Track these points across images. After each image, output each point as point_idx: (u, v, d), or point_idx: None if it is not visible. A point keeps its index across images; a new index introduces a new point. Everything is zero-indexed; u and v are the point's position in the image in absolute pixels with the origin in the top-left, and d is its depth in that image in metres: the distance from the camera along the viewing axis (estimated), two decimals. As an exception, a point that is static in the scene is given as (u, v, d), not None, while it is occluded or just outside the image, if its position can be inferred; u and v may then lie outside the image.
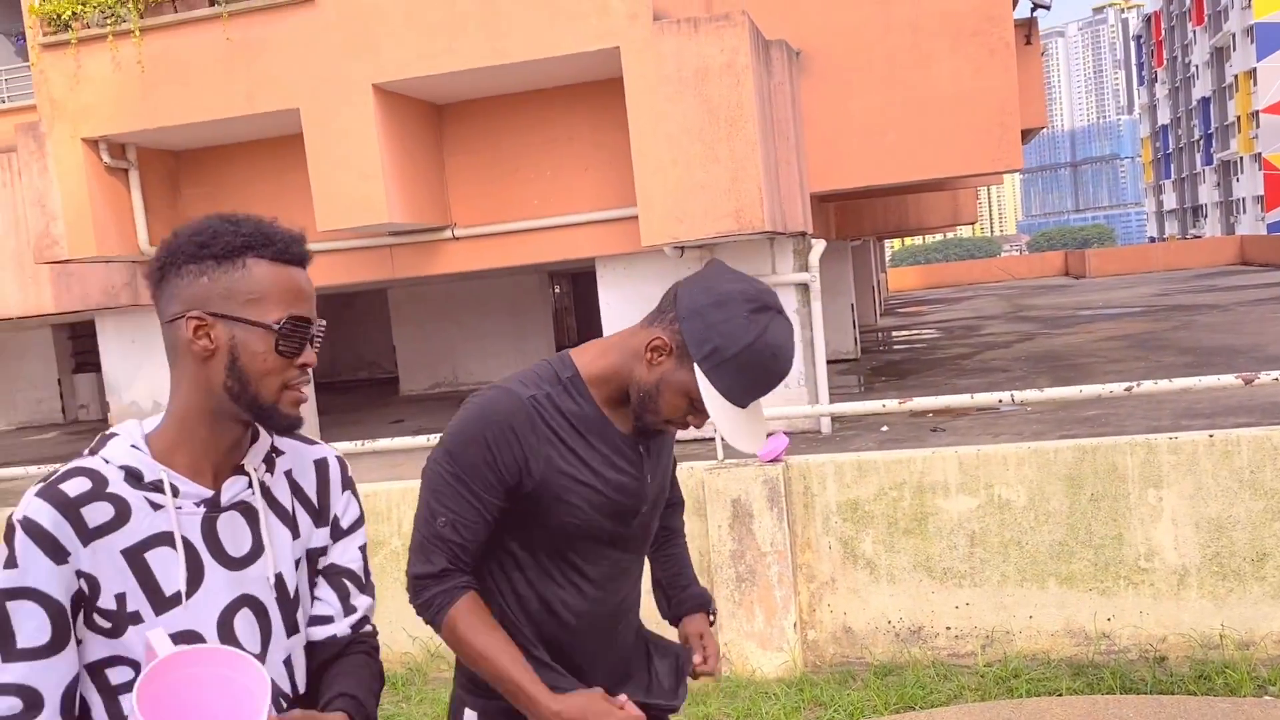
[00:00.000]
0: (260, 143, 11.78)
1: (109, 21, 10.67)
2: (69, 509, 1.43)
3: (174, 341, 1.51)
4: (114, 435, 1.53)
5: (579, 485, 1.84)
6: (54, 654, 1.40)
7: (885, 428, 10.60)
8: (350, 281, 12.10)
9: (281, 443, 1.65)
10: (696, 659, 2.09)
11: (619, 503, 1.88)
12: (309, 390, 1.60)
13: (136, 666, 1.45)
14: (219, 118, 10.76)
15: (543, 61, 10.17)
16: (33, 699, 1.39)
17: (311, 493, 1.67)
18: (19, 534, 1.41)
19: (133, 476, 1.49)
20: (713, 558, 4.80)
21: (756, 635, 4.76)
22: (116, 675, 1.46)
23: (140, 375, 12.61)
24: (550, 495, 1.82)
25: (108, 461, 1.49)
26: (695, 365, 1.73)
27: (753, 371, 1.71)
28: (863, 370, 15.55)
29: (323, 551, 1.68)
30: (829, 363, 15.81)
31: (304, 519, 1.65)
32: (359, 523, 1.73)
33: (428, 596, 1.83)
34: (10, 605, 1.39)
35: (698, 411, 1.80)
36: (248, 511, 1.56)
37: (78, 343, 19.06)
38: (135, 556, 1.46)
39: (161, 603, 1.47)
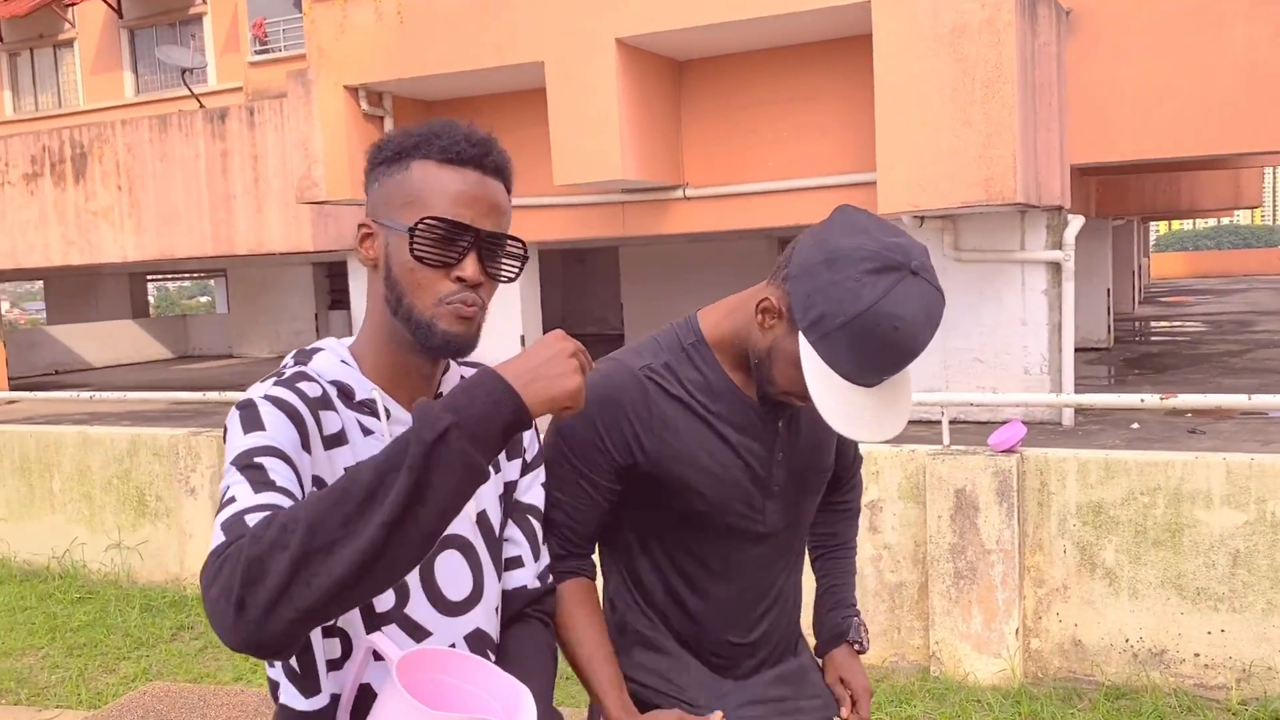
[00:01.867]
0: (507, 95, 12.03)
1: (374, -26, 11.11)
2: (311, 406, 1.29)
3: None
4: (319, 349, 1.40)
5: (697, 462, 1.62)
6: (295, 499, 1.21)
7: (1136, 425, 9.70)
8: (582, 236, 12.21)
9: (469, 371, 1.50)
10: (844, 712, 1.82)
11: (743, 483, 1.64)
12: (478, 311, 1.39)
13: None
14: (468, 69, 11.04)
15: (789, 16, 9.81)
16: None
17: None
18: (264, 405, 1.25)
19: (344, 394, 1.35)
20: (930, 549, 4.44)
21: (972, 637, 4.37)
22: None
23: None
24: (666, 474, 1.61)
25: (319, 375, 1.35)
26: (799, 333, 1.45)
27: (867, 344, 1.40)
28: (1114, 361, 14.40)
29: (514, 486, 1.53)
30: (1077, 350, 14.71)
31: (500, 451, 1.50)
32: (540, 457, 1.58)
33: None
34: (262, 459, 1.20)
35: None
36: None
37: (333, 280, 20.36)
38: None
39: None
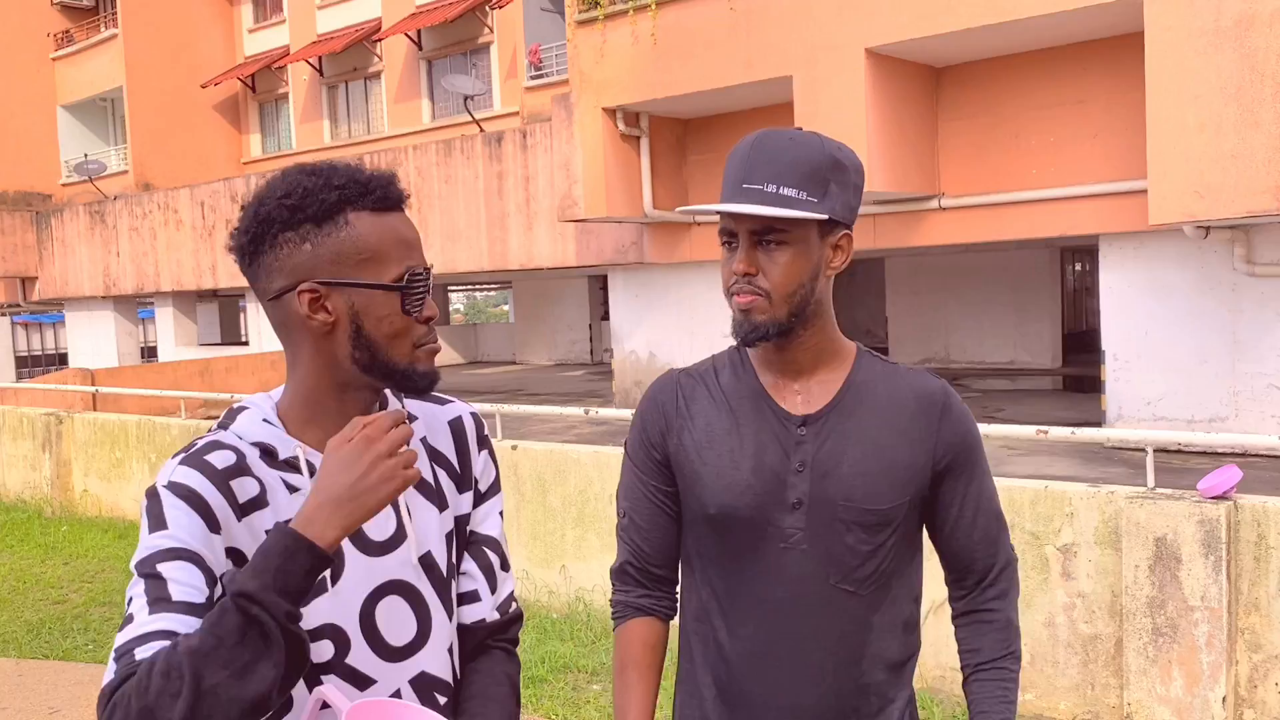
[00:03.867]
0: (758, 110, 12.06)
1: (631, -3, 11.49)
2: (219, 479, 1.28)
3: (284, 318, 1.35)
4: (244, 409, 1.40)
5: (708, 458, 1.59)
6: (203, 612, 1.22)
7: None
8: (833, 249, 12.03)
9: (413, 405, 1.48)
10: None
11: (755, 487, 1.56)
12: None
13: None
14: (720, 86, 11.17)
15: (1053, 16, 9.21)
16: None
17: (451, 456, 1.50)
18: (166, 497, 1.26)
19: (267, 454, 1.34)
20: (1125, 602, 4.03)
21: (1171, 701, 3.92)
22: None
23: (640, 327, 13.64)
24: (681, 467, 1.62)
25: (240, 437, 1.35)
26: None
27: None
28: None
29: (467, 519, 1.51)
30: None
31: (448, 486, 1.48)
32: (496, 485, 1.55)
33: (613, 599, 1.71)
34: (162, 566, 1.22)
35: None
36: None
37: (605, 293, 21.18)
38: None
39: None
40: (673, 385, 1.67)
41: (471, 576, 1.51)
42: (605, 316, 21.15)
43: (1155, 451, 4.38)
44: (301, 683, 1.32)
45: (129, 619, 1.21)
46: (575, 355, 21.68)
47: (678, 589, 1.71)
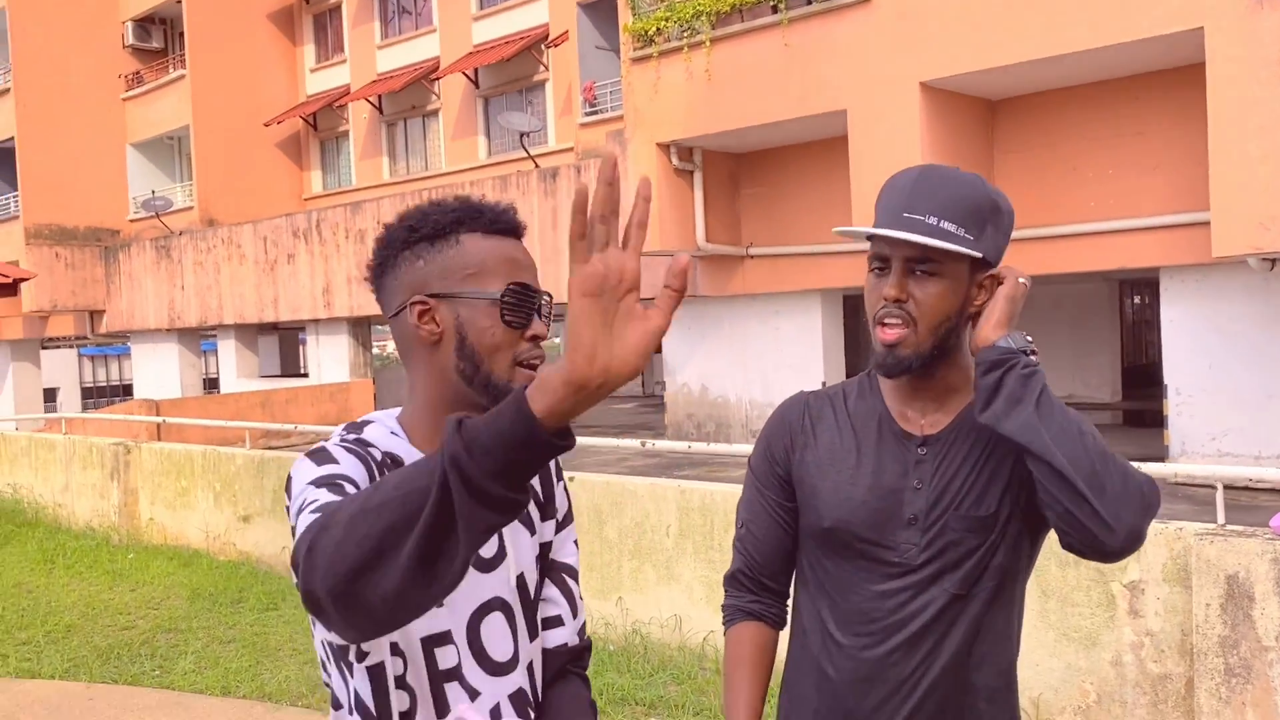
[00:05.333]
0: (812, 144, 12.10)
1: (685, 34, 11.62)
2: (368, 464, 1.36)
3: (402, 334, 1.43)
4: (369, 422, 1.47)
5: (828, 475, 1.66)
6: None
7: None
8: (887, 283, 11.99)
9: None
10: None
11: (871, 503, 1.61)
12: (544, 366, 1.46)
13: (404, 659, 1.37)
14: (774, 120, 11.24)
15: (1111, 49, 9.17)
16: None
17: (537, 485, 1.57)
18: (336, 449, 1.35)
19: (395, 464, 1.40)
20: (1196, 640, 3.95)
21: (1246, 746, 3.84)
22: (394, 665, 1.37)
23: (692, 360, 13.67)
24: (800, 483, 1.69)
25: (369, 445, 1.41)
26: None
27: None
28: None
29: (549, 546, 1.58)
30: None
31: (534, 512, 1.55)
32: (571, 515, 1.63)
33: (724, 604, 1.78)
34: (339, 480, 1.28)
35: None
36: None
37: (659, 326, 21.23)
38: None
39: None
40: (800, 405, 1.75)
41: (554, 602, 1.57)
42: (656, 350, 21.25)
43: (1226, 488, 4.31)
44: (427, 687, 1.38)
45: (311, 503, 1.23)
46: (626, 388, 21.76)
47: (788, 603, 1.77)
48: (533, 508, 1.55)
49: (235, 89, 22.58)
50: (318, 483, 1.28)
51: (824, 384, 12.47)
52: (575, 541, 1.63)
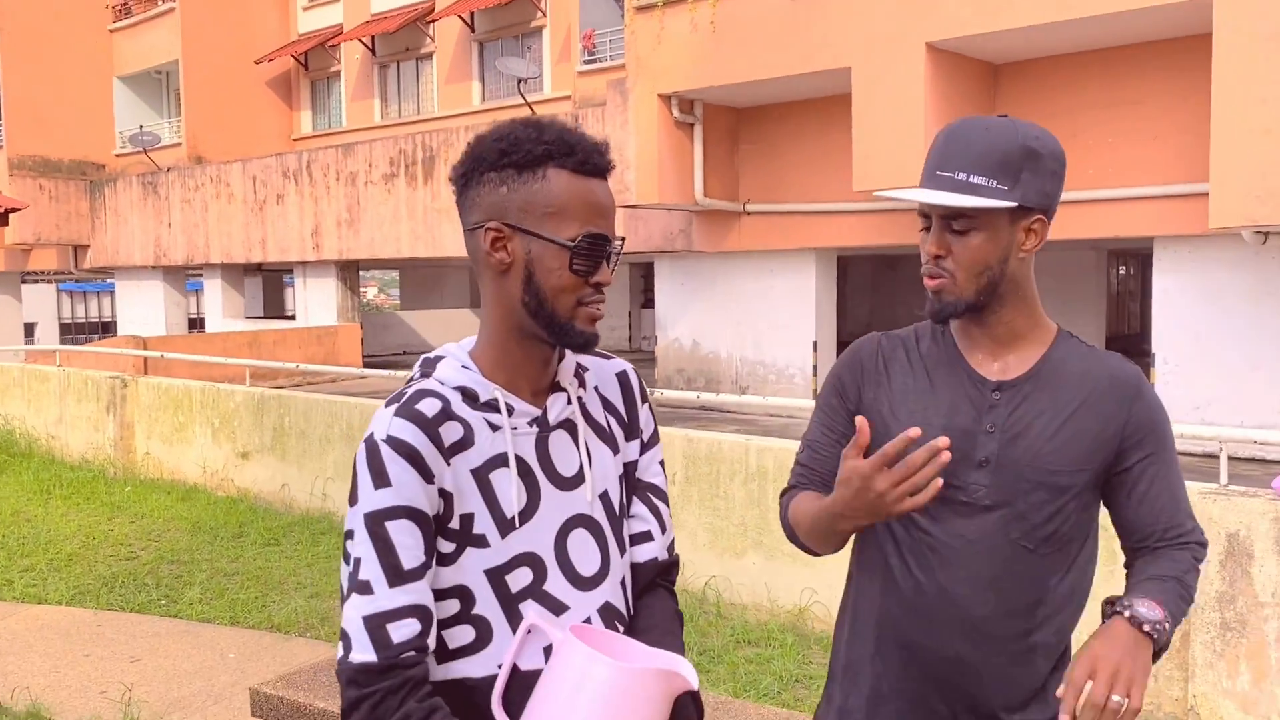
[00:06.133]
0: (812, 102, 12.09)
1: (691, -15, 11.52)
2: (429, 427, 1.40)
3: (474, 250, 1.47)
4: (441, 358, 1.51)
5: (899, 413, 1.69)
6: (428, 573, 1.39)
7: None
8: (879, 244, 12.05)
9: (583, 359, 1.60)
10: (1063, 710, 1.47)
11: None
12: (604, 308, 1.51)
13: (462, 598, 1.43)
14: (777, 76, 11.21)
15: (1118, 16, 9.19)
16: (426, 616, 1.38)
17: (620, 406, 1.61)
18: (386, 452, 1.38)
19: (469, 397, 1.45)
20: (1196, 595, 4.10)
21: (1238, 696, 3.98)
22: (440, 609, 1.42)
23: (685, 315, 13.72)
24: (872, 424, 1.67)
25: (443, 383, 1.46)
26: None
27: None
28: None
29: (635, 466, 1.62)
30: None
31: (618, 433, 1.60)
32: (656, 437, 1.67)
33: (780, 507, 1.82)
34: (390, 525, 1.36)
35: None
36: (572, 430, 1.52)
37: (646, 280, 21.25)
38: (482, 478, 1.44)
39: (504, 524, 1.44)
40: (874, 345, 1.79)
41: (643, 519, 1.62)
42: (646, 304, 21.25)
43: (1202, 456, 4.42)
44: (500, 612, 1.44)
45: (364, 585, 1.36)
46: (614, 342, 21.79)
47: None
48: (616, 427, 1.59)
49: (226, 24, 22.21)
50: (371, 524, 1.37)
51: (815, 344, 12.57)
52: (661, 463, 1.68)
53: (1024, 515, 1.63)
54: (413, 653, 1.35)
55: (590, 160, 1.44)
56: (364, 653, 1.33)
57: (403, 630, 1.34)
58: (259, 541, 7.02)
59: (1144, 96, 9.99)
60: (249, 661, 4.92)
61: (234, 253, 19.33)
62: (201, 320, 23.39)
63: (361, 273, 21.89)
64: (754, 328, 13.03)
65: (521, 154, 1.42)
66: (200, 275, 21.27)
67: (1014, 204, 1.57)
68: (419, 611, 1.36)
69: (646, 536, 1.62)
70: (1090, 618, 1.67)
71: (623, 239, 1.49)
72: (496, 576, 1.44)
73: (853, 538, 1.82)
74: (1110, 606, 1.53)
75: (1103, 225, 10.35)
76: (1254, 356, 9.58)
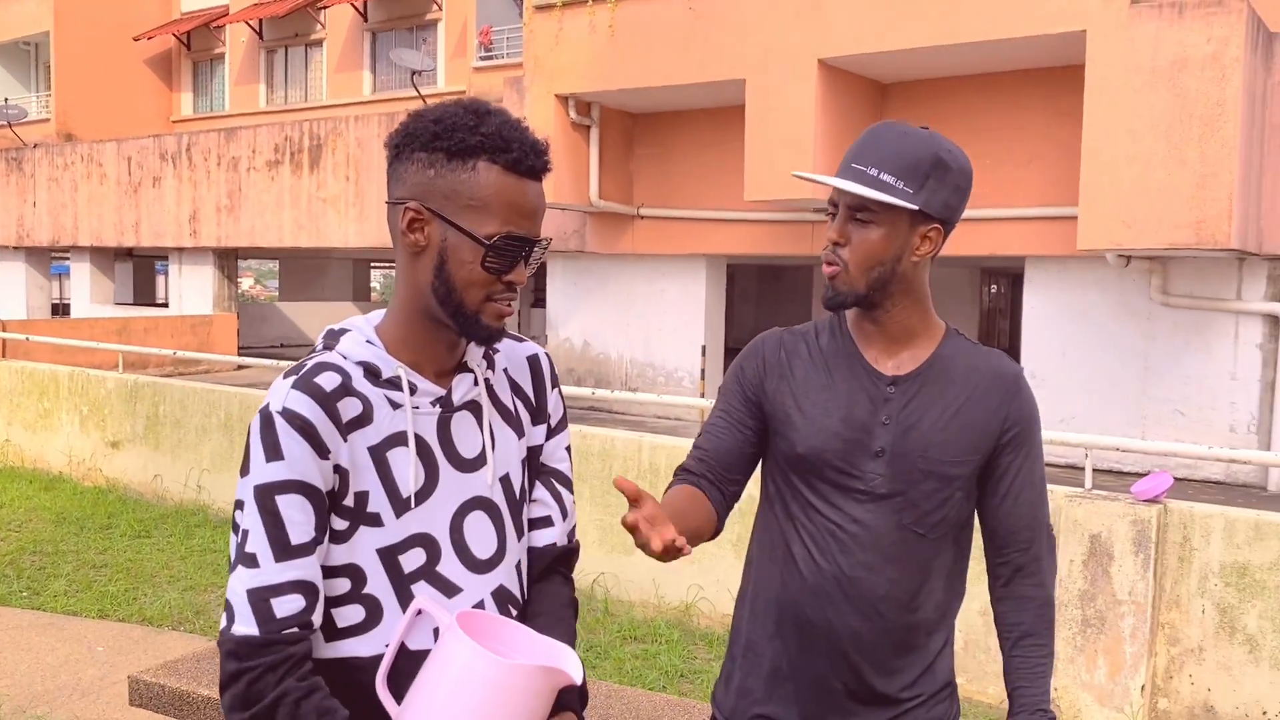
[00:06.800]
0: (708, 111, 12.26)
1: (591, -13, 11.56)
2: (326, 402, 1.38)
3: (393, 225, 1.45)
4: (346, 331, 1.49)
5: (801, 405, 1.77)
6: (318, 549, 1.37)
7: (1350, 497, 8.95)
8: (770, 253, 12.29)
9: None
10: None
11: (842, 433, 1.74)
12: (515, 305, 1.50)
13: (353, 577, 1.42)
14: (673, 84, 11.33)
15: (999, 43, 9.59)
16: (311, 593, 1.36)
17: (529, 389, 1.61)
18: (280, 424, 1.36)
19: (371, 373, 1.43)
20: (1058, 594, 4.31)
21: (1095, 688, 4.22)
22: (330, 587, 1.41)
23: (576, 315, 13.74)
24: (774, 409, 1.80)
25: (345, 357, 1.44)
26: None
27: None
28: (1342, 427, 13.17)
29: (539, 450, 1.62)
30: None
31: (524, 416, 1.59)
32: (564, 422, 1.67)
33: (670, 486, 1.87)
34: (280, 500, 1.35)
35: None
36: (476, 411, 1.51)
37: (538, 279, 21.15)
38: (379, 456, 1.42)
39: (400, 503, 1.43)
40: (776, 340, 1.86)
41: (544, 504, 1.63)
42: (536, 303, 21.15)
43: (1064, 467, 4.68)
44: (391, 592, 1.43)
45: (250, 558, 1.35)
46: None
47: (725, 503, 1.84)
48: (523, 410, 1.60)
49: (102, -2, 21.30)
50: (260, 497, 1.36)
51: (703, 349, 12.74)
52: (568, 448, 1.69)
53: (915, 503, 1.74)
54: (296, 629, 1.35)
55: (525, 161, 1.41)
56: (246, 625, 1.33)
57: (287, 605, 1.34)
58: (129, 533, 6.76)
59: (1023, 122, 10.44)
60: (119, 655, 4.74)
61: (105, 236, 18.53)
62: (66, 305, 22.34)
63: (239, 262, 21.24)
64: (644, 330, 13.13)
65: (454, 141, 1.39)
66: (67, 258, 20.31)
67: (915, 207, 1.66)
68: (304, 588, 1.35)
69: (547, 521, 1.63)
70: (968, 601, 1.79)
71: (548, 240, 1.47)
72: (389, 556, 1.42)
73: (753, 523, 1.90)
74: None
75: (979, 244, 10.77)
76: (1114, 374, 10.11)
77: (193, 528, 6.93)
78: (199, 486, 7.49)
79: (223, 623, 1.35)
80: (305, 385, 1.39)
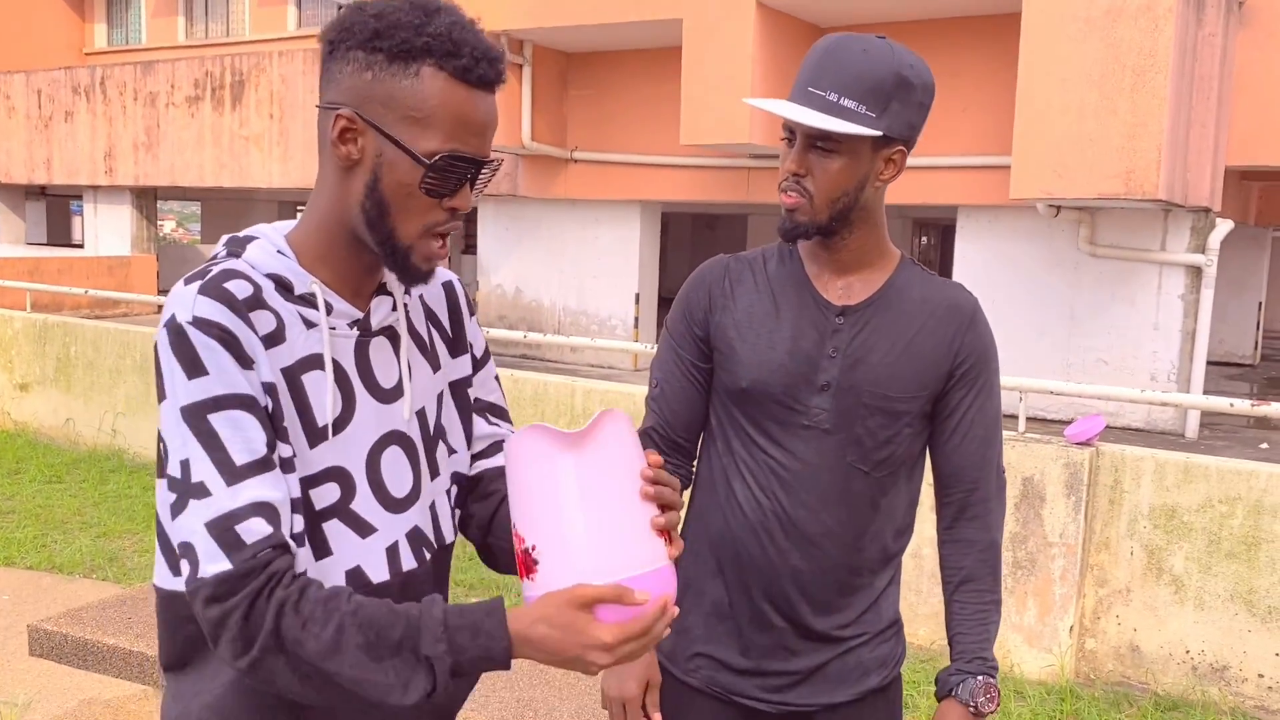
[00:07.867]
0: (644, 52, 12.04)
1: (525, -78, 11.22)
2: (240, 310, 1.21)
3: (322, 131, 1.28)
4: (254, 238, 1.31)
5: (746, 336, 1.69)
6: (273, 462, 1.20)
7: (1265, 445, 9.21)
8: (706, 199, 12.18)
9: None
10: None
11: (787, 366, 1.65)
12: (446, 249, 1.35)
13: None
14: (608, 21, 11.09)
15: (937, -12, 9.54)
16: (273, 514, 1.18)
17: (445, 319, 1.47)
18: (194, 335, 1.18)
19: (283, 287, 1.27)
20: (990, 535, 4.34)
21: (1024, 630, 4.25)
22: None
23: (509, 261, 13.51)
24: (719, 342, 1.72)
25: (253, 267, 1.27)
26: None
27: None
28: (1257, 379, 13.62)
29: (467, 382, 1.49)
30: (1219, 364, 13.95)
31: (441, 349, 1.46)
32: (488, 353, 1.55)
33: None
34: (214, 418, 1.17)
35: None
36: (394, 338, 1.37)
37: (469, 225, 20.79)
38: (294, 379, 1.26)
39: (315, 433, 1.27)
40: (720, 268, 1.77)
41: (484, 437, 1.52)
42: (467, 249, 20.83)
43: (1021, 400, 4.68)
44: (302, 530, 1.27)
45: (199, 488, 1.17)
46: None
47: (694, 463, 1.80)
48: (439, 342, 1.47)
49: (8, -80, 20.20)
50: (191, 419, 1.18)
51: (637, 296, 12.63)
52: (497, 378, 1.57)
53: (860, 440, 1.66)
54: (269, 550, 1.17)
55: (475, 69, 1.23)
56: (216, 562, 1.14)
57: (252, 530, 1.16)
58: (39, 479, 6.50)
59: (958, 69, 10.41)
60: (25, 604, 4.54)
61: (14, 173, 17.75)
62: (-26, 245, 21.40)
63: (160, 204, 20.52)
64: (578, 277, 12.97)
65: (396, 41, 1.21)
66: (-27, 196, 19.42)
67: (879, 133, 1.56)
68: (265, 510, 1.17)
69: (497, 448, 1.51)
70: (917, 538, 1.72)
71: (499, 160, 1.31)
72: (301, 490, 1.26)
73: (695, 461, 1.82)
74: (951, 678, 1.67)
75: (911, 192, 10.77)
76: (1042, 323, 10.24)
77: (107, 473, 6.68)
78: (114, 430, 7.22)
79: (185, 571, 1.16)
80: (215, 291, 1.21)
